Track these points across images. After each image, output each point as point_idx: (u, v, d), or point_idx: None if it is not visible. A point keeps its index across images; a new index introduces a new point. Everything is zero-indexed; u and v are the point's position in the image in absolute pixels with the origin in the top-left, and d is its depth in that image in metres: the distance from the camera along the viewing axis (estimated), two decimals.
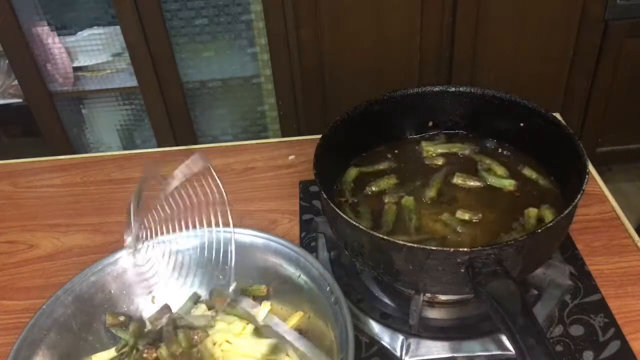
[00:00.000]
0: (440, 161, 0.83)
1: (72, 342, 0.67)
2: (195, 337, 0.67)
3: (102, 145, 2.16)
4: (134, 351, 0.67)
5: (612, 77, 1.96)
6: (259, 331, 0.69)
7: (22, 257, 0.93)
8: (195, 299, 0.74)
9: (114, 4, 1.75)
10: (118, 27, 1.82)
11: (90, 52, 1.95)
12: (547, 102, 1.96)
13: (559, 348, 0.70)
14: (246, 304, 0.72)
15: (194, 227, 0.72)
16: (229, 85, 2.02)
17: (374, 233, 0.62)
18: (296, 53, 1.88)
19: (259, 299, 0.73)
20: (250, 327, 0.70)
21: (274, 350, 0.67)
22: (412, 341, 0.71)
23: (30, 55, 1.84)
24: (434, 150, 0.84)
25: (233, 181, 1.04)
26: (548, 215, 0.73)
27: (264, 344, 0.67)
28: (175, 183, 0.68)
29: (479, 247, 0.59)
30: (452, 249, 0.59)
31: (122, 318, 0.71)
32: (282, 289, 0.72)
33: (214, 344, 0.68)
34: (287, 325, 0.69)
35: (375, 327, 0.73)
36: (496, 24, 1.85)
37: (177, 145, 1.67)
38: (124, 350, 0.68)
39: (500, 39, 1.88)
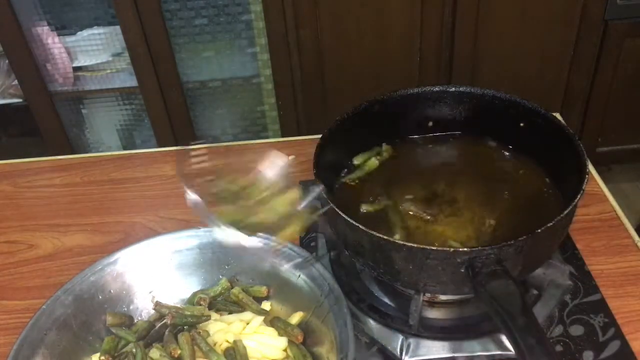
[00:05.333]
0: None
1: (72, 342, 0.67)
2: (196, 337, 0.67)
3: (102, 145, 2.16)
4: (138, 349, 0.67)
5: (612, 77, 1.96)
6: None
7: (22, 257, 0.93)
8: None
9: (114, 4, 1.75)
10: (118, 27, 1.82)
11: (90, 52, 1.94)
12: (547, 102, 1.97)
13: (559, 348, 0.70)
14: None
15: None
16: (229, 85, 2.02)
17: (374, 233, 0.62)
18: (296, 53, 1.88)
19: (259, 299, 0.73)
20: (254, 325, 0.70)
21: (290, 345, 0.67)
22: (412, 341, 0.71)
23: (30, 55, 1.84)
24: None
25: None
26: None
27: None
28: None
29: (479, 247, 0.59)
30: (452, 249, 0.59)
31: (122, 318, 0.71)
32: (282, 289, 0.72)
33: (215, 344, 0.68)
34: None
35: (375, 327, 0.73)
36: (496, 23, 1.85)
37: (177, 145, 1.67)
38: (124, 350, 0.68)
39: (500, 39, 1.88)
